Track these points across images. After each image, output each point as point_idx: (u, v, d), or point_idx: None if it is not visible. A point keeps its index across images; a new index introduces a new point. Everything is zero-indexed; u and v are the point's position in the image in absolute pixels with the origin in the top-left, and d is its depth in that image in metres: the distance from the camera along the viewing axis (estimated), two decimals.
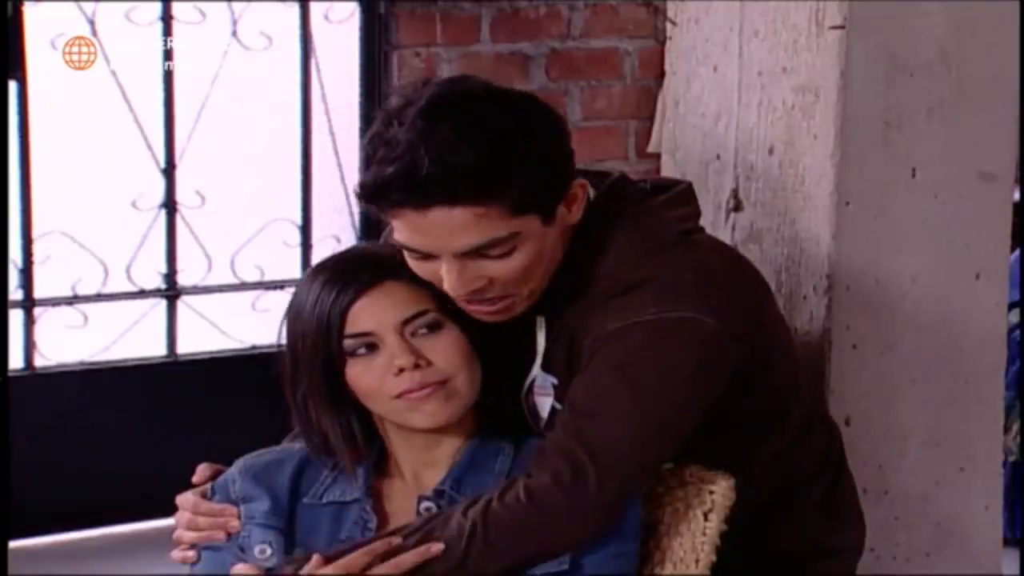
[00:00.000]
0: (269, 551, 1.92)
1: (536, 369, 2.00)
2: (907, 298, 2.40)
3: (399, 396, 1.88)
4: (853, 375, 2.37)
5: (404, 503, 1.94)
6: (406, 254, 1.88)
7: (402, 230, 1.84)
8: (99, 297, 3.72)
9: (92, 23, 3.56)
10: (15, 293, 3.59)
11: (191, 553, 1.98)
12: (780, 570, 2.14)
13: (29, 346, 3.65)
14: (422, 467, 1.95)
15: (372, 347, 1.89)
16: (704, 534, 1.97)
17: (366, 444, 1.95)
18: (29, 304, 3.63)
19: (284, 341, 1.96)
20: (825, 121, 2.32)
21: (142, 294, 3.77)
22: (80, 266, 3.69)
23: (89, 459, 3.70)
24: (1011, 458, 3.75)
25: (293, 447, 2.01)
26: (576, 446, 1.86)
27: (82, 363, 3.72)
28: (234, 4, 3.73)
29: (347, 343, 1.89)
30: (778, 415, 2.06)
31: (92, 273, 3.70)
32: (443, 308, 1.90)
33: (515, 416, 2.00)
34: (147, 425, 3.74)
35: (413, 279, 1.90)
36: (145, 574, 2.05)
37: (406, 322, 1.89)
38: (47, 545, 3.66)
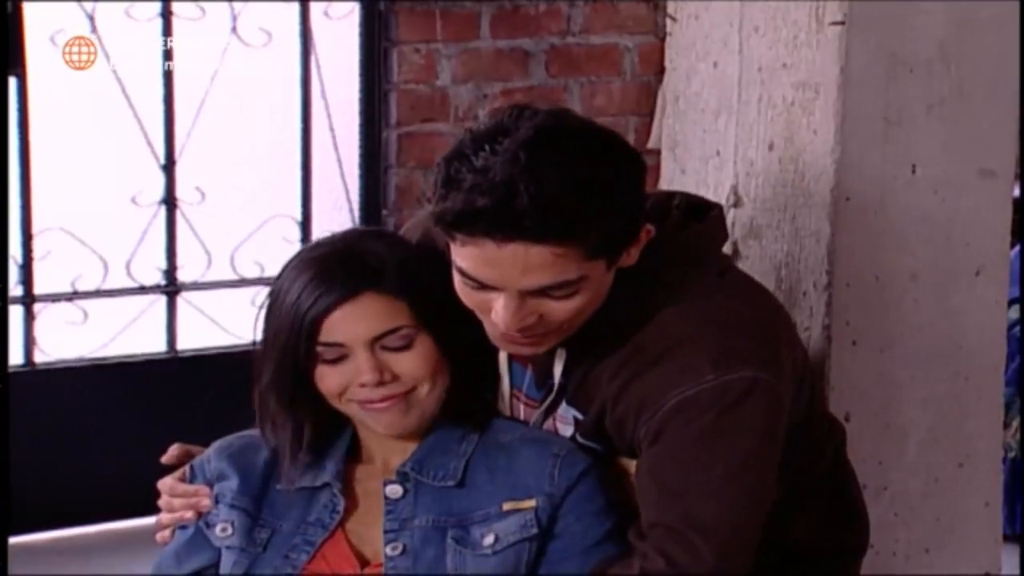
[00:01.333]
0: (231, 530, 1.96)
1: (564, 404, 1.98)
2: (907, 295, 2.40)
3: (362, 406, 1.92)
4: (853, 372, 2.37)
5: (374, 486, 1.97)
6: (458, 279, 1.84)
7: (470, 258, 1.80)
8: (99, 293, 3.73)
9: (92, 19, 3.57)
10: (15, 289, 3.60)
11: (167, 533, 2.02)
12: (784, 568, 2.14)
13: (29, 342, 3.66)
14: (390, 452, 1.97)
15: (342, 356, 1.91)
16: None
17: (309, 449, 1.97)
18: (29, 300, 3.63)
19: (261, 327, 1.98)
20: (825, 117, 2.31)
21: (142, 290, 3.78)
22: (80, 262, 3.70)
23: (89, 455, 3.70)
24: (1011, 455, 3.76)
25: None
26: (682, 526, 1.84)
27: (82, 359, 3.73)
28: (234, 1, 3.73)
29: (319, 348, 1.91)
30: (801, 440, 2.05)
31: (92, 269, 3.70)
32: (419, 319, 1.91)
33: (482, 406, 2.01)
34: (147, 421, 3.74)
35: (394, 291, 1.90)
36: (144, 572, 2.05)
37: (378, 338, 1.90)
38: (47, 541, 3.66)
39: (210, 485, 2.00)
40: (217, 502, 1.99)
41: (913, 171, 2.38)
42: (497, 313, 1.82)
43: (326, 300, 1.89)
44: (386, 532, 1.92)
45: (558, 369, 1.97)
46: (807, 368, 2.08)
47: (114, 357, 3.77)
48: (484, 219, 1.75)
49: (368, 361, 1.89)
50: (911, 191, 2.38)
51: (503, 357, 2.03)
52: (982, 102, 2.41)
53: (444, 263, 1.89)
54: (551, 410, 2.00)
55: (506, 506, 1.91)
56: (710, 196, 2.50)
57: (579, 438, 1.97)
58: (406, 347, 1.91)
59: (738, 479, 1.85)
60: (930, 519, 2.48)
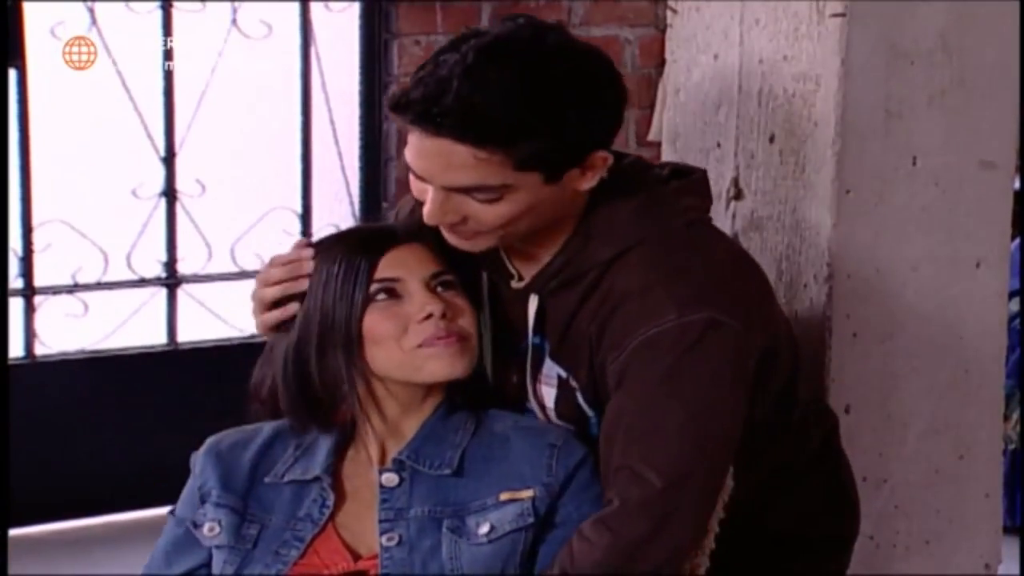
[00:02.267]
0: (218, 529, 1.95)
1: (548, 360, 2.00)
2: (908, 286, 2.40)
3: (419, 346, 1.90)
4: (853, 363, 2.37)
5: (363, 481, 1.96)
6: (411, 172, 1.90)
7: (410, 148, 1.86)
8: (99, 285, 3.73)
9: (92, 12, 3.56)
10: (16, 281, 3.60)
11: (275, 313, 1.97)
12: (774, 556, 2.14)
13: (30, 334, 3.66)
14: (389, 438, 1.97)
15: (395, 295, 1.92)
16: None
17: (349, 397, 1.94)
18: (29, 292, 3.63)
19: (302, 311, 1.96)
20: (826, 109, 2.31)
21: (142, 282, 3.78)
22: (80, 254, 3.70)
23: (89, 447, 3.70)
24: (1011, 446, 3.76)
25: (263, 426, 2.03)
26: (642, 467, 1.85)
27: (82, 351, 3.72)
28: None
29: (373, 287, 1.92)
30: (782, 412, 2.06)
31: (92, 261, 3.70)
32: (456, 277, 1.96)
33: (480, 389, 2.01)
34: (147, 413, 3.74)
35: (437, 246, 1.94)
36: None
37: (433, 276, 1.94)
38: (48, 533, 3.66)
39: (200, 488, 1.99)
40: (203, 501, 1.98)
41: (914, 163, 2.38)
42: (426, 206, 1.86)
43: (380, 244, 1.94)
44: (381, 522, 1.91)
45: (531, 314, 1.98)
46: (786, 337, 2.07)
47: (114, 349, 3.77)
48: (413, 109, 1.81)
49: (429, 295, 1.92)
50: (912, 182, 2.38)
51: (485, 316, 2.03)
52: (983, 93, 2.40)
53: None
54: (536, 371, 2.01)
55: (503, 496, 1.91)
56: (711, 188, 2.51)
57: (580, 401, 1.96)
58: (456, 293, 1.94)
59: (697, 418, 1.86)
60: (930, 511, 2.48)
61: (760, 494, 2.06)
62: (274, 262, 1.99)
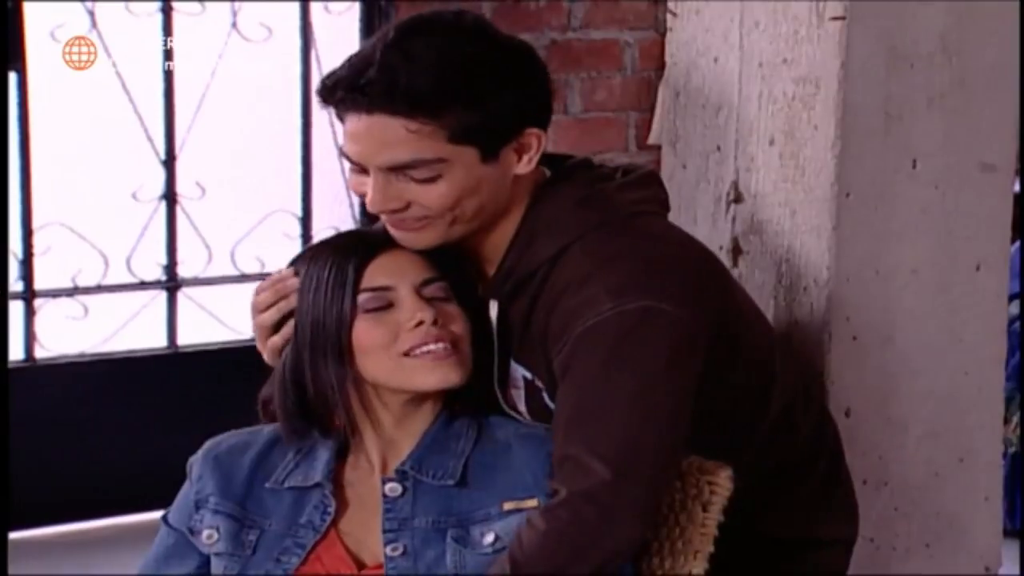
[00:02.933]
0: (216, 536, 1.95)
1: (512, 363, 2.00)
2: (908, 289, 2.40)
3: (410, 353, 1.89)
4: (853, 366, 2.37)
5: (366, 489, 1.95)
6: (349, 169, 1.91)
7: (345, 136, 1.88)
8: (99, 288, 3.73)
9: (92, 14, 3.56)
10: (15, 284, 3.59)
11: (276, 338, 1.97)
12: (772, 559, 2.14)
13: (29, 337, 3.65)
14: (388, 447, 1.95)
15: (386, 303, 1.91)
16: (703, 526, 1.97)
17: (342, 406, 1.94)
18: (29, 295, 3.63)
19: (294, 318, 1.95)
20: (825, 112, 2.31)
21: (142, 285, 3.77)
22: (80, 257, 3.69)
23: (89, 450, 3.70)
24: (1011, 449, 3.76)
25: (262, 429, 2.02)
26: (587, 457, 1.84)
27: (82, 354, 3.72)
28: None
29: (362, 296, 1.90)
30: (758, 399, 2.05)
31: (92, 264, 3.70)
32: (452, 285, 1.94)
33: (479, 396, 2.00)
34: (147, 416, 3.74)
35: (431, 252, 1.93)
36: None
37: (424, 282, 1.92)
38: (48, 536, 3.66)
39: (197, 492, 1.99)
40: (198, 508, 1.97)
41: (914, 165, 2.38)
42: (368, 196, 1.87)
43: (367, 250, 1.92)
44: (385, 532, 1.90)
45: (493, 319, 1.98)
46: (749, 321, 2.06)
47: (115, 352, 3.76)
48: (340, 87, 1.85)
49: (419, 301, 1.90)
50: (912, 185, 2.38)
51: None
52: (983, 96, 2.41)
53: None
54: (504, 376, 2.01)
55: (507, 506, 1.90)
56: (710, 191, 2.51)
57: (546, 400, 1.96)
58: (447, 301, 1.93)
59: (638, 405, 1.85)
60: (930, 513, 2.48)
61: (757, 496, 2.06)
62: (260, 288, 1.99)
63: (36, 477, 3.51)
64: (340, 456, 1.97)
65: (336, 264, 1.92)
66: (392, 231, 1.92)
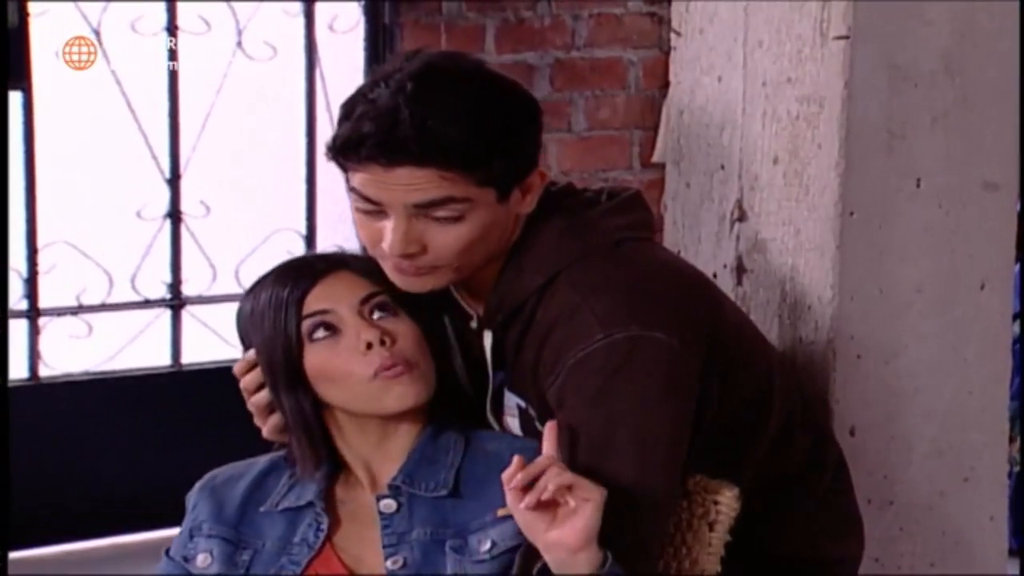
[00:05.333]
0: (210, 559, 1.95)
1: (506, 392, 2.01)
2: (911, 308, 2.40)
3: (374, 376, 1.89)
4: (857, 385, 2.37)
5: (358, 505, 1.96)
6: (354, 209, 1.90)
7: (365, 185, 1.86)
8: (104, 307, 3.73)
9: (97, 33, 3.57)
10: (20, 303, 3.60)
11: (275, 418, 2.00)
12: None
13: (34, 356, 3.66)
14: (375, 463, 1.96)
15: (332, 329, 1.91)
16: (710, 545, 1.96)
17: (320, 433, 1.96)
18: (34, 314, 3.64)
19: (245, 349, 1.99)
20: (829, 131, 2.32)
21: (147, 304, 3.78)
22: (85, 276, 3.70)
23: (93, 469, 3.70)
24: (1016, 468, 3.75)
25: (258, 460, 2.04)
26: None
27: (87, 373, 3.72)
28: (239, 14, 3.73)
29: (306, 324, 1.91)
30: (757, 416, 2.05)
31: (97, 283, 3.70)
32: (394, 300, 1.94)
33: (463, 409, 2.01)
34: (151, 435, 3.74)
35: (366, 271, 1.94)
36: None
37: (364, 301, 1.92)
38: (51, 555, 3.66)
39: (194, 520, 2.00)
40: (192, 536, 1.98)
41: (917, 184, 2.38)
42: (386, 239, 1.86)
43: (304, 280, 1.93)
44: (385, 547, 1.91)
45: (488, 349, 1.99)
46: (747, 340, 2.06)
47: (119, 371, 3.76)
48: (368, 144, 1.82)
49: (362, 322, 1.91)
50: (915, 204, 2.38)
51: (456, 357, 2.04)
52: (986, 114, 2.41)
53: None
54: (499, 404, 2.01)
55: (501, 512, 1.91)
56: (714, 210, 2.51)
57: (539, 428, 1.97)
58: (393, 314, 1.93)
59: (634, 437, 1.85)
60: (935, 533, 2.47)
61: (761, 514, 2.06)
62: (240, 369, 2.03)
63: (40, 495, 3.51)
64: (331, 476, 1.98)
65: (275, 293, 1.94)
66: (393, 275, 1.91)
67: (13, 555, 3.10)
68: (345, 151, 1.85)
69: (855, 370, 2.36)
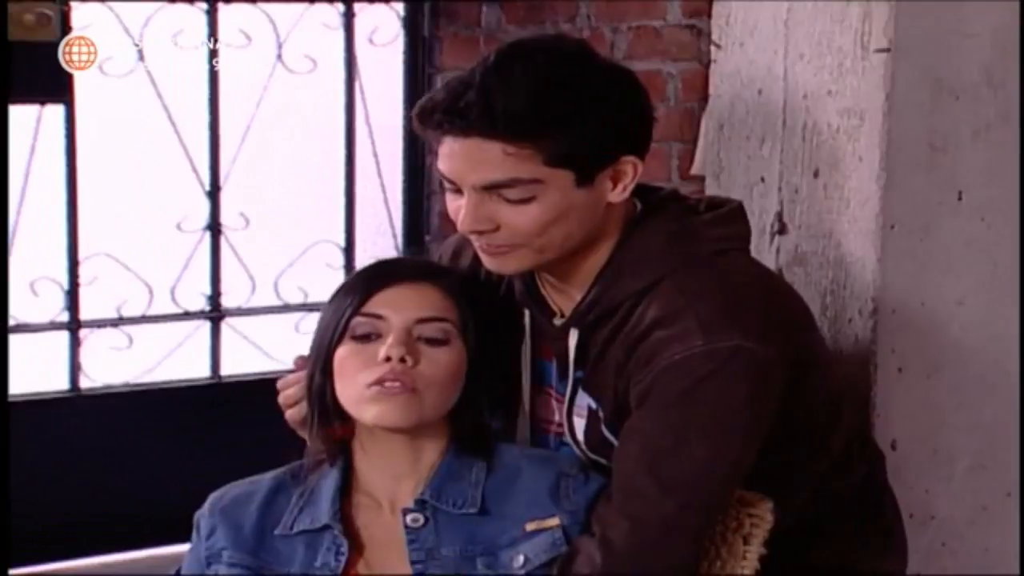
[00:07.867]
0: None
1: (580, 391, 2.01)
2: (953, 321, 2.39)
3: (371, 385, 1.91)
4: (899, 398, 2.37)
5: (378, 528, 1.96)
6: (442, 188, 1.94)
7: (441, 156, 1.89)
8: (144, 319, 3.74)
9: (140, 49, 3.59)
10: (62, 315, 3.62)
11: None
12: None
13: (75, 368, 3.67)
14: (393, 481, 1.97)
15: (373, 334, 1.92)
16: (744, 558, 1.96)
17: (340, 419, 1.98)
18: (75, 326, 3.65)
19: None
20: (870, 144, 2.31)
21: (186, 316, 3.78)
22: (125, 288, 3.71)
23: (133, 480, 3.71)
24: None
25: (263, 478, 2.04)
26: (653, 490, 1.86)
27: (127, 384, 3.73)
28: (279, 28, 3.75)
29: (356, 320, 1.92)
30: (818, 437, 2.05)
31: (137, 295, 3.72)
32: (460, 325, 1.93)
33: (487, 431, 2.03)
34: (191, 446, 3.75)
35: (446, 288, 1.94)
36: None
37: (421, 320, 1.93)
38: (92, 567, 3.67)
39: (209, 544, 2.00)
40: (210, 563, 1.97)
41: (959, 197, 2.37)
42: (460, 213, 1.89)
43: (383, 278, 1.96)
44: (413, 563, 1.91)
45: (572, 348, 1.99)
46: (824, 363, 2.07)
47: (159, 382, 3.77)
48: (438, 111, 1.86)
49: (401, 339, 1.91)
50: (957, 217, 2.37)
51: (526, 354, 2.04)
52: None
53: (481, 283, 1.99)
54: (571, 404, 2.02)
55: (529, 527, 1.91)
56: (755, 223, 2.51)
57: (604, 430, 1.97)
58: (439, 345, 1.93)
59: (712, 441, 1.87)
60: (978, 548, 2.46)
61: (803, 528, 2.05)
62: (284, 384, 2.08)
63: (81, 507, 3.52)
64: (343, 494, 1.97)
65: (350, 286, 1.97)
66: (481, 255, 1.94)
67: (55, 567, 3.12)
68: (420, 117, 1.89)
69: (897, 383, 2.36)
